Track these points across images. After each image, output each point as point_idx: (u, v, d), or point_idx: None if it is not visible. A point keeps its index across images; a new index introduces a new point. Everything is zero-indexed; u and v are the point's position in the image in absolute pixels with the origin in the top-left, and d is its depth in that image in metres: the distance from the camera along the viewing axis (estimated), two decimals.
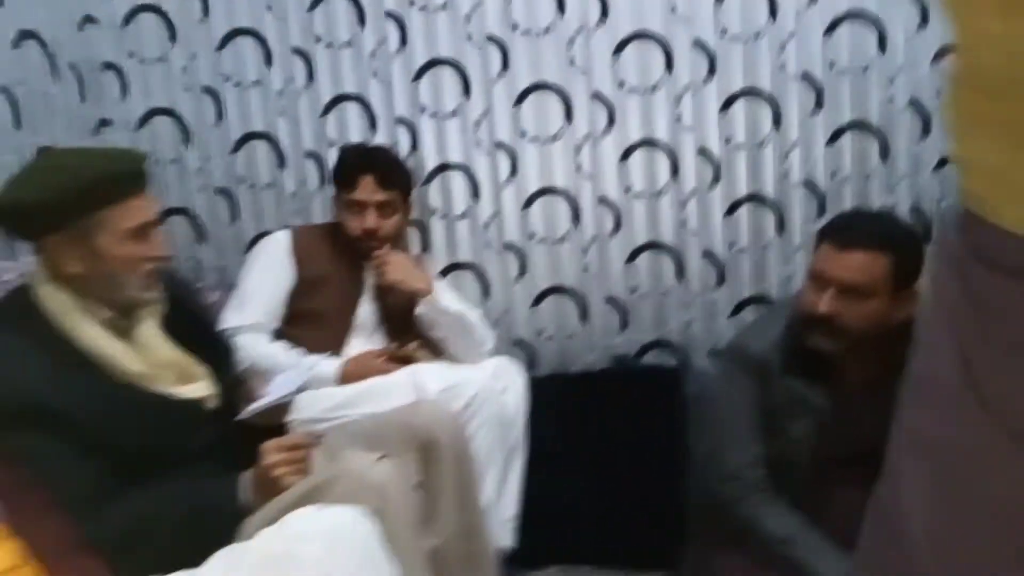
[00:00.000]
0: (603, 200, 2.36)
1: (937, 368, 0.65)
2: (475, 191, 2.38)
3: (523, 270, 2.44)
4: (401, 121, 2.34)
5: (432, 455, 1.48)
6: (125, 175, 1.35)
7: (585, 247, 2.39)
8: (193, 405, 1.42)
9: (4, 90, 1.91)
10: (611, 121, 2.32)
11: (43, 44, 2.06)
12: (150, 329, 1.40)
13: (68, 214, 1.30)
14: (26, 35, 2.00)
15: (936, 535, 0.64)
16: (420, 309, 2.15)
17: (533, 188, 2.37)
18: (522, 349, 2.48)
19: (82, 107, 2.25)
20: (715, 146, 2.29)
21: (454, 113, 2.33)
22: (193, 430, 1.40)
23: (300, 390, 1.56)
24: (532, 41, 2.29)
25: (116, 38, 2.30)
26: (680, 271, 2.39)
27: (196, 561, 1.16)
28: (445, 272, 2.44)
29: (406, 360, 2.05)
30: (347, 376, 1.98)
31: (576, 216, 2.38)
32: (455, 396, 1.82)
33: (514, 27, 2.28)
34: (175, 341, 1.45)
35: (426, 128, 2.34)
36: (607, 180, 2.35)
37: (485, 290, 2.45)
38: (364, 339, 2.16)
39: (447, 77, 2.31)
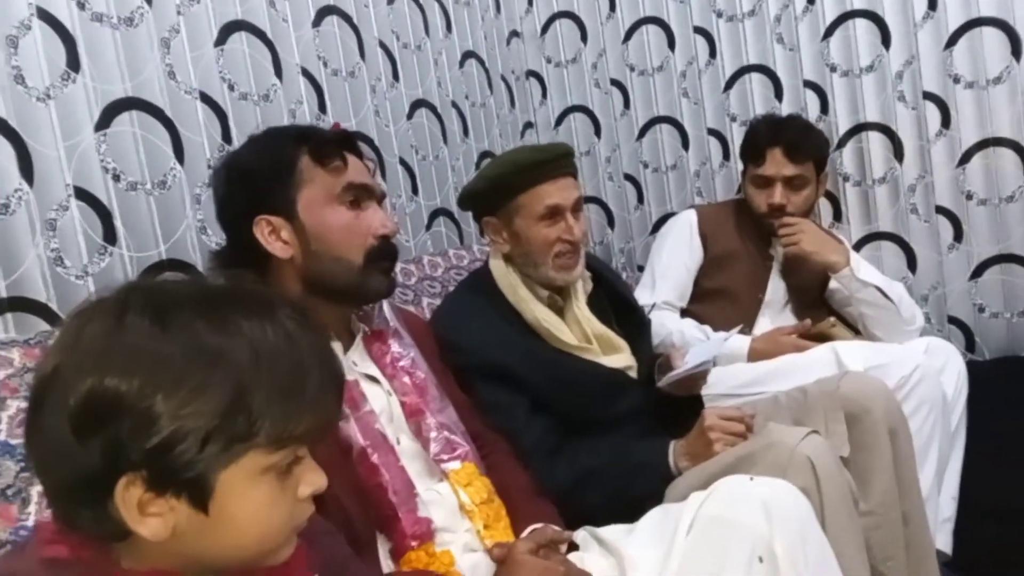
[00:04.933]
0: None
1: None
2: (898, 152, 2.15)
3: (959, 237, 2.13)
4: (809, 84, 2.19)
5: (863, 427, 1.34)
6: (536, 163, 1.45)
7: None
8: (618, 374, 1.50)
9: (454, 104, 2.26)
10: None
11: (481, 60, 2.39)
12: (580, 306, 1.54)
13: (496, 199, 1.48)
14: (469, 55, 2.34)
15: None
16: (834, 284, 2.00)
17: (971, 141, 2.05)
18: (959, 328, 2.17)
19: (511, 113, 2.55)
20: None
21: (870, 68, 2.13)
22: (619, 396, 1.48)
23: (714, 362, 1.56)
24: None
25: (536, 47, 2.56)
26: None
27: (628, 516, 1.23)
28: (861, 244, 2.24)
29: (821, 337, 1.91)
30: (756, 354, 1.89)
31: None
32: (884, 375, 1.60)
33: None
34: (600, 316, 1.57)
35: (837, 88, 2.16)
36: None
37: (910, 262, 2.20)
38: (773, 316, 2.05)
39: (861, 29, 2.11)
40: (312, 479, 0.65)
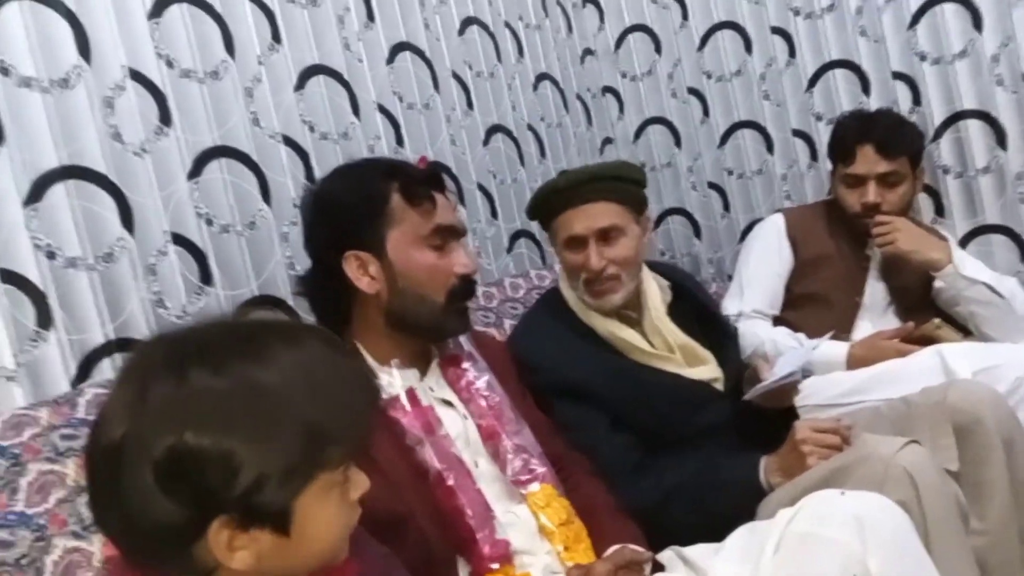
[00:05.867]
0: None
1: None
2: (1000, 139, 2.00)
3: None
4: (898, 76, 2.07)
5: (974, 439, 1.25)
6: (556, 191, 1.42)
7: None
8: (702, 386, 1.45)
9: (529, 127, 2.27)
10: None
11: (555, 81, 2.39)
12: (658, 316, 1.50)
13: (541, 222, 1.50)
14: (542, 77, 2.35)
15: None
16: (940, 283, 1.88)
17: None
18: None
19: (589, 131, 2.54)
20: None
21: (963, 53, 2.00)
22: (702, 409, 1.42)
23: (805, 371, 1.49)
24: None
25: (611, 63, 2.54)
26: None
27: (716, 534, 1.18)
28: (968, 238, 2.10)
29: (926, 340, 1.79)
30: (855, 360, 1.78)
31: None
32: (994, 379, 1.48)
33: None
34: (682, 327, 1.53)
35: (929, 77, 2.04)
36: None
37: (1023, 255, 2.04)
38: (874, 320, 1.94)
39: (949, 14, 2.00)
40: (359, 481, 0.70)
